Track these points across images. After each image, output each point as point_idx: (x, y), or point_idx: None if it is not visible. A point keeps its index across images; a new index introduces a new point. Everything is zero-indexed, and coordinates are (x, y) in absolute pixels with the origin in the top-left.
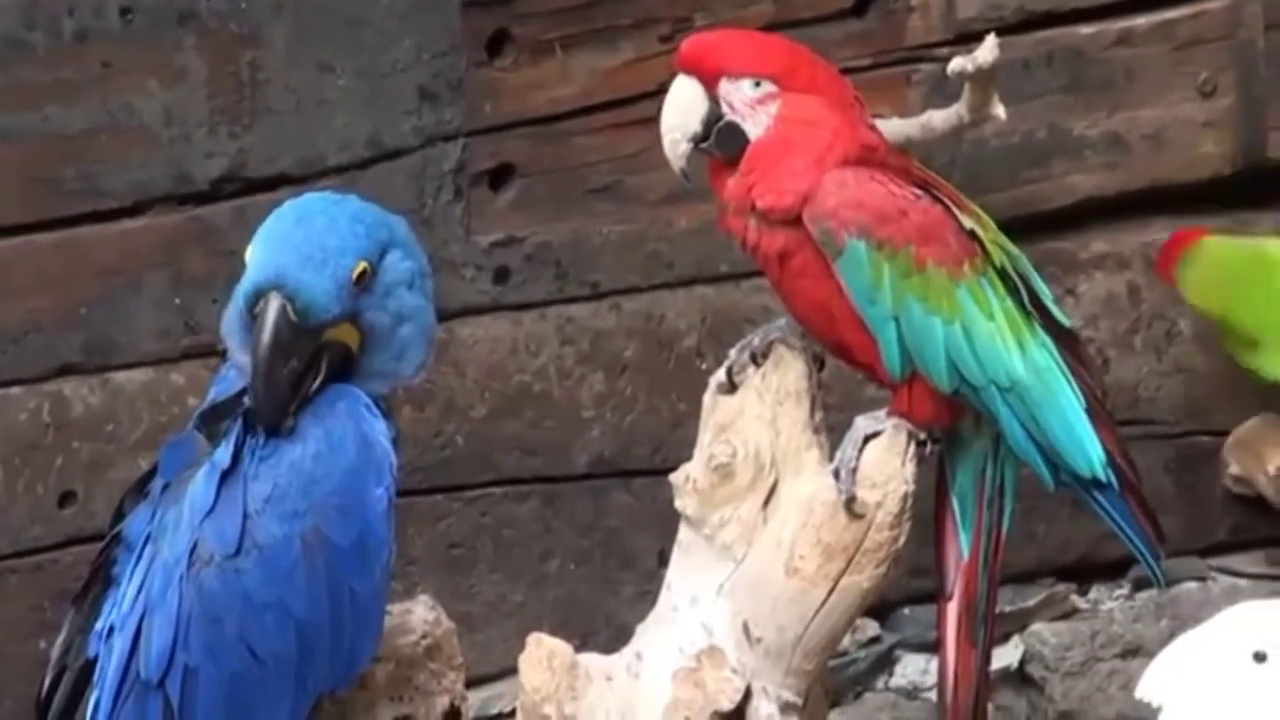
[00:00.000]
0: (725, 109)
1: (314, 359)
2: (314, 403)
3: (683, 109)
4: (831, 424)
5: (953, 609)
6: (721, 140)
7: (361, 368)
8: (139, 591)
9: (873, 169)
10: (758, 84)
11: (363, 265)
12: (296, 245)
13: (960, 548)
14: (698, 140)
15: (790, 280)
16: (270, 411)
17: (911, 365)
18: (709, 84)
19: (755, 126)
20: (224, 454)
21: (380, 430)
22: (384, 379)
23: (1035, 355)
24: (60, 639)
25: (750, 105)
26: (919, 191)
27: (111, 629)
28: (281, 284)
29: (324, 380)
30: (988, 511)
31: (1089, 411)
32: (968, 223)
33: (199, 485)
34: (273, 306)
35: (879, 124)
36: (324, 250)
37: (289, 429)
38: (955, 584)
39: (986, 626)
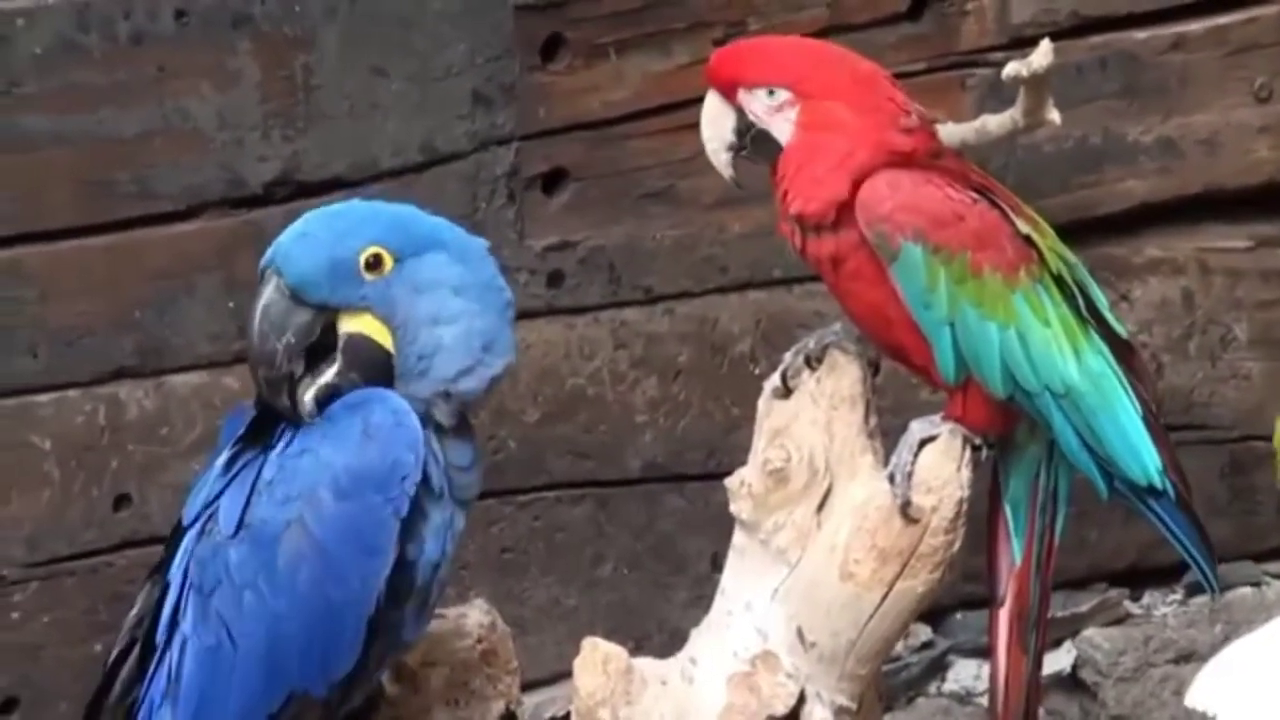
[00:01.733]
0: (751, 118)
1: (327, 346)
2: (343, 399)
3: (714, 122)
4: (886, 428)
5: (1005, 615)
6: (757, 148)
7: (397, 368)
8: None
9: (929, 172)
10: (771, 93)
11: (374, 250)
12: (302, 228)
13: (1013, 554)
14: (735, 149)
15: (845, 283)
16: (269, 388)
17: (966, 370)
18: (729, 95)
19: (781, 133)
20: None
21: (406, 439)
22: (422, 382)
23: (1091, 362)
24: (134, 611)
25: (770, 113)
26: (976, 195)
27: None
28: (274, 260)
29: (348, 374)
30: (1040, 518)
31: (1145, 419)
32: (1024, 228)
33: (222, 463)
34: (266, 281)
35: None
36: (328, 230)
37: (309, 415)
38: (1007, 590)
39: (1038, 633)
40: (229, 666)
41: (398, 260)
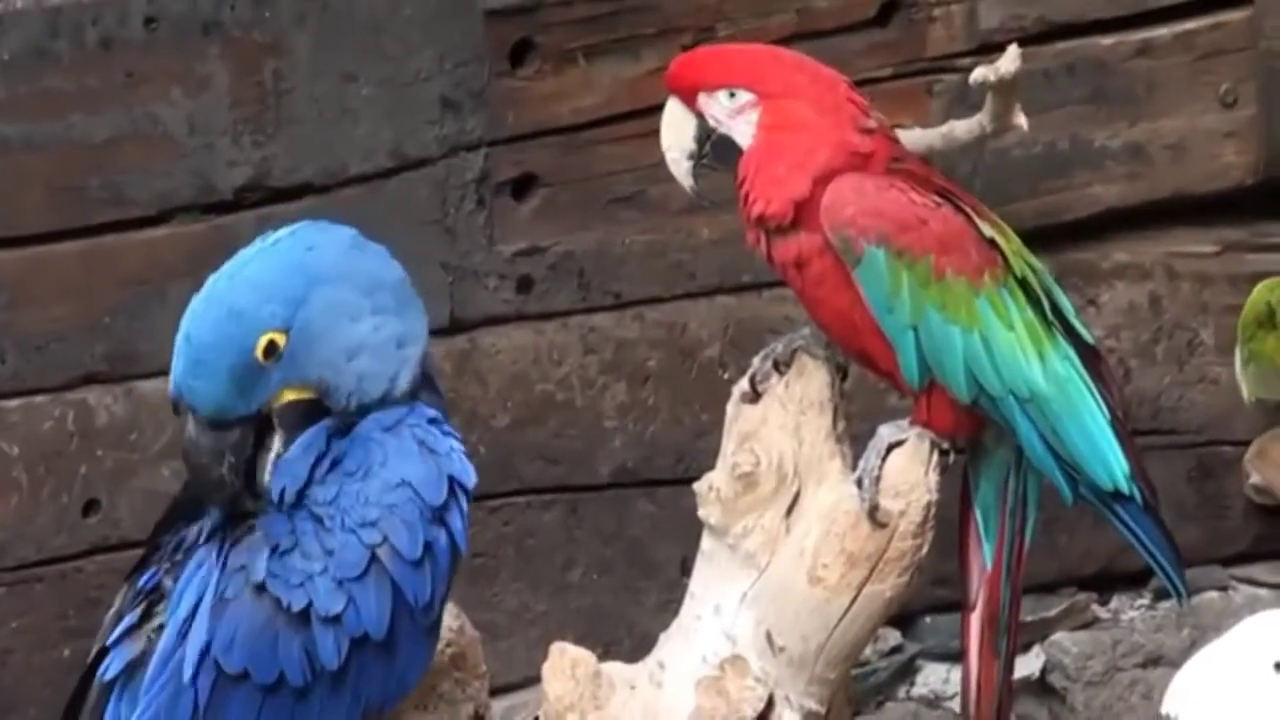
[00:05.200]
0: (711, 122)
1: (264, 428)
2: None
3: (674, 128)
4: (854, 433)
5: (976, 619)
6: (718, 153)
7: (334, 406)
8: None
9: (892, 176)
10: (732, 94)
11: (266, 339)
12: (190, 349)
13: (984, 558)
14: (696, 157)
15: (810, 288)
16: (229, 504)
17: (930, 375)
18: (689, 100)
19: (742, 136)
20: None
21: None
22: (360, 403)
23: (1056, 366)
24: (111, 615)
25: (730, 115)
26: (939, 200)
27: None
28: (180, 395)
29: (292, 437)
30: (1010, 522)
31: (1112, 424)
32: (988, 232)
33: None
34: (184, 415)
35: (901, 133)
36: (216, 342)
37: (261, 508)
38: (979, 594)
39: (1009, 637)
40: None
41: (289, 330)
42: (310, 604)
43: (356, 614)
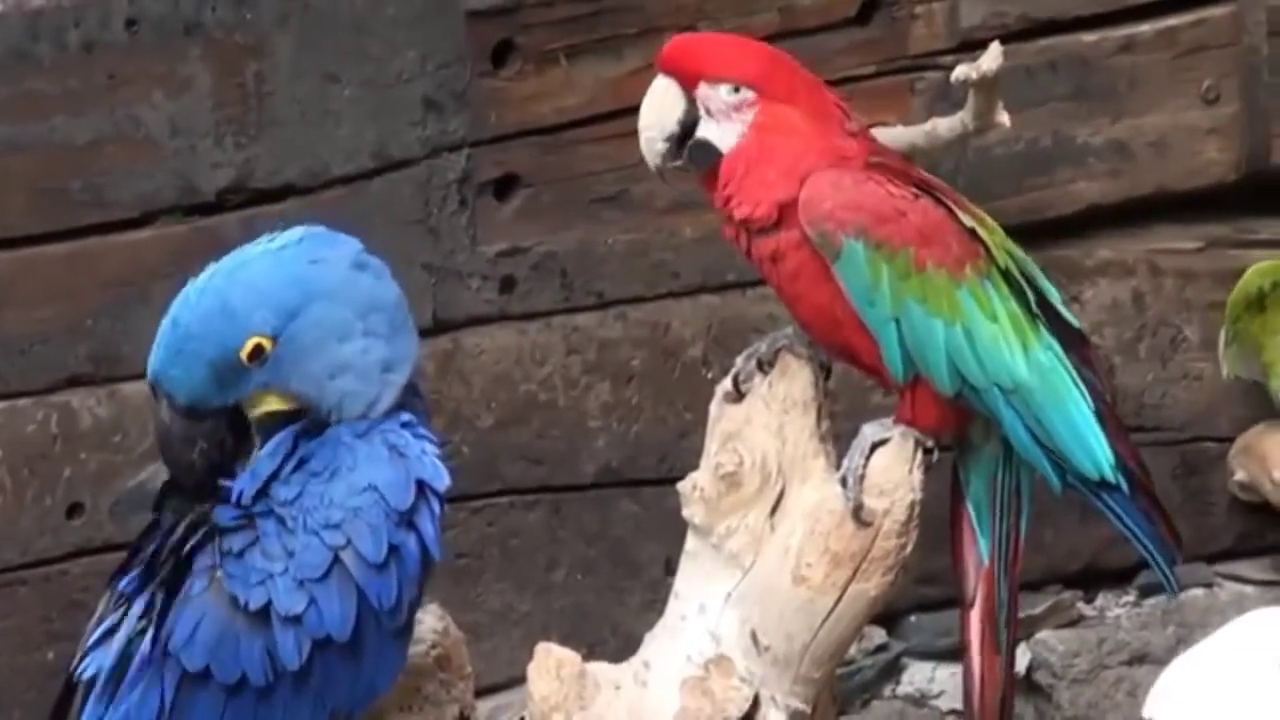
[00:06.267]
0: (702, 112)
1: (239, 428)
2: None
3: (660, 109)
4: (838, 432)
5: (975, 616)
6: (694, 157)
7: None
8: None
9: (870, 170)
10: (736, 89)
11: (253, 343)
12: (175, 336)
13: (979, 554)
14: (674, 141)
15: (789, 284)
16: (198, 489)
17: (914, 368)
18: (688, 86)
19: (730, 134)
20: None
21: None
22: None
23: (1039, 356)
24: (95, 618)
25: (726, 110)
26: (918, 192)
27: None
28: (158, 380)
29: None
30: (1003, 516)
31: (1098, 414)
32: (969, 223)
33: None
34: (159, 399)
35: (884, 131)
36: (202, 336)
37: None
38: (976, 591)
39: (1009, 631)
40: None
41: (277, 337)
42: (269, 603)
43: (319, 615)
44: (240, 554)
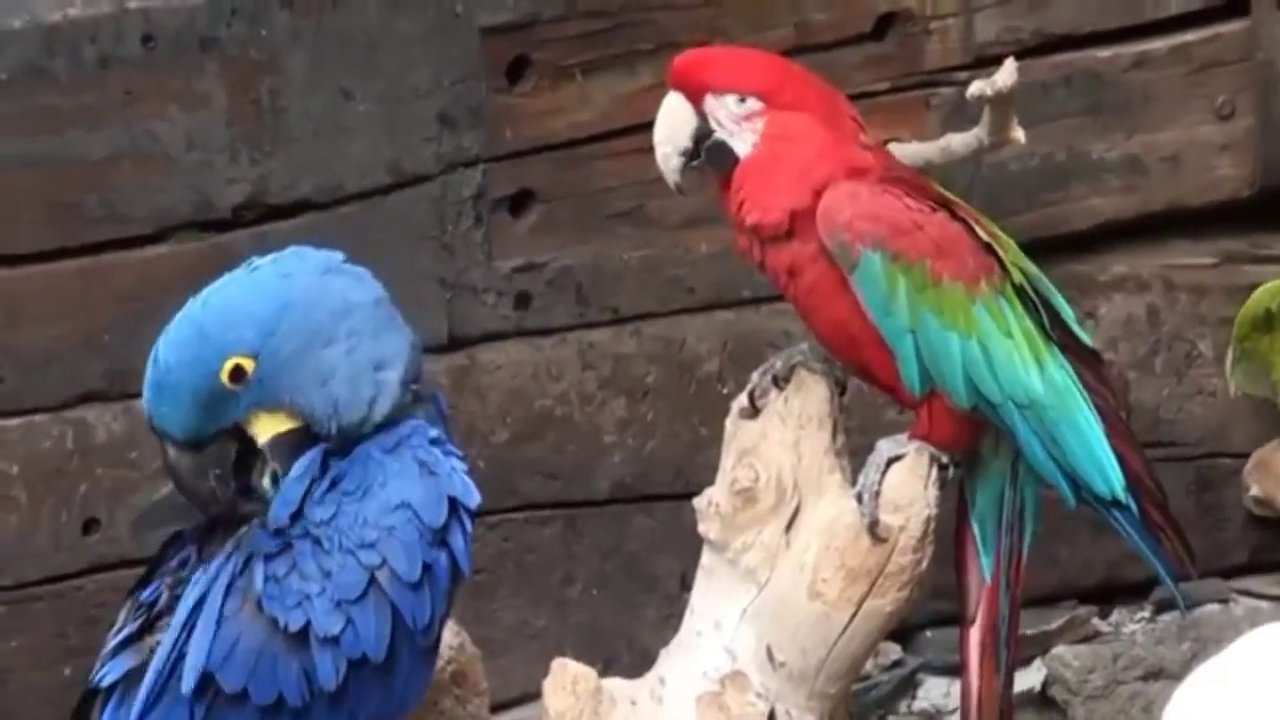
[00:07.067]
0: (713, 124)
1: (244, 444)
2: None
3: (672, 124)
4: (853, 448)
5: (975, 633)
6: (711, 157)
7: (317, 430)
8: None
9: (887, 184)
10: (742, 100)
11: (231, 364)
12: (158, 372)
13: (982, 571)
14: (689, 155)
15: (805, 297)
16: (224, 514)
17: (930, 381)
18: (696, 99)
19: (742, 143)
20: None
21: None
22: (343, 427)
23: (1054, 374)
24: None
25: (736, 121)
26: (935, 206)
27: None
28: (152, 419)
29: (289, 464)
30: (1008, 535)
31: (1109, 433)
32: (985, 238)
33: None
34: (163, 444)
35: (899, 147)
36: (180, 366)
37: (254, 512)
38: (978, 608)
39: (1009, 650)
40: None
41: (256, 355)
42: (308, 624)
43: (355, 636)
44: (280, 575)
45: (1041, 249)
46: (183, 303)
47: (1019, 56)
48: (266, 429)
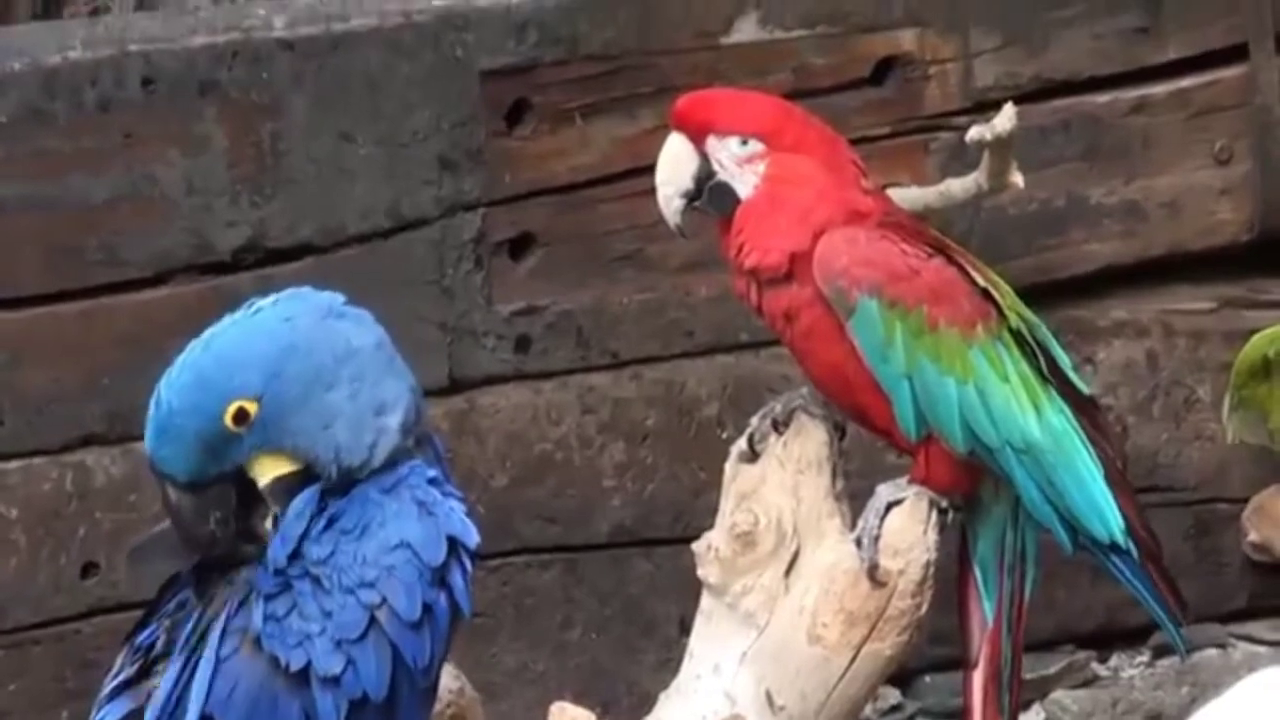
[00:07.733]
0: (715, 166)
1: (243, 486)
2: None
3: (674, 165)
4: (853, 492)
5: (978, 677)
6: (714, 199)
7: (317, 473)
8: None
9: (884, 229)
10: (744, 142)
11: (235, 407)
12: (160, 415)
13: (984, 615)
14: (690, 196)
15: (801, 341)
16: (225, 556)
17: (927, 426)
18: (698, 141)
19: (744, 185)
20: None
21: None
22: (344, 471)
23: (1051, 419)
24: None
25: (738, 163)
26: (931, 251)
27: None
28: (154, 462)
29: (288, 505)
30: (1010, 578)
31: (1108, 479)
32: (982, 284)
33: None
34: (163, 482)
35: (897, 191)
36: (183, 410)
37: (253, 555)
38: (980, 652)
39: (1011, 693)
40: None
41: (259, 398)
42: (309, 664)
43: (356, 675)
44: (280, 614)
45: (1041, 294)
46: (183, 346)
47: (1018, 101)
48: (267, 471)
